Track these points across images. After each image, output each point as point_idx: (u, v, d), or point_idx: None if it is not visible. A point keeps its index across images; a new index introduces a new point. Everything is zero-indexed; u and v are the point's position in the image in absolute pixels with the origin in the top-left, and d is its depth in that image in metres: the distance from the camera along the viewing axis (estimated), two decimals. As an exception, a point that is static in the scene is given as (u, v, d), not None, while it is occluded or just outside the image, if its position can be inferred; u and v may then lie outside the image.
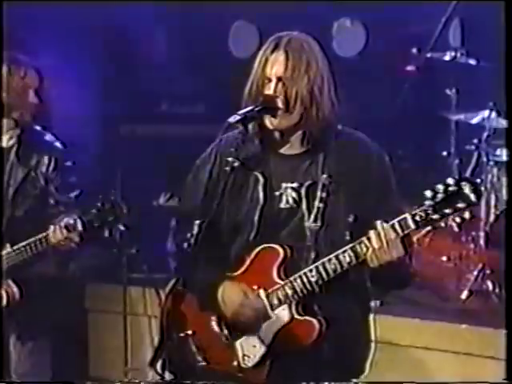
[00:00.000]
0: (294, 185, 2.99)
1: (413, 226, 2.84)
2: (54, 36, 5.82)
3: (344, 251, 2.90)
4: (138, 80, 6.26)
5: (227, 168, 2.98)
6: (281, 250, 2.97)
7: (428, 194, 2.80)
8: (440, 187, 2.79)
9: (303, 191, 2.98)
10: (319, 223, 2.95)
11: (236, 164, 2.98)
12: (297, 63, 2.95)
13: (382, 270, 2.89)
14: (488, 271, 5.09)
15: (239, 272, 3.02)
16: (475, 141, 5.39)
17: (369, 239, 2.87)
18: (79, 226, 3.60)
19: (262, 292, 2.96)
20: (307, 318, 2.94)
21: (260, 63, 2.99)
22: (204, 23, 6.24)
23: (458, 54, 5.50)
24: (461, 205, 2.78)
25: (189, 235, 2.92)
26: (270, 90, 2.97)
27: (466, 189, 2.78)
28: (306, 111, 2.96)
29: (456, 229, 5.22)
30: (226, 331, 2.98)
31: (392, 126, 6.04)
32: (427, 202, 2.80)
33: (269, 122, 3.00)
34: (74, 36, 5.92)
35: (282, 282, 2.94)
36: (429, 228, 2.85)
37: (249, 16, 6.25)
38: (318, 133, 2.98)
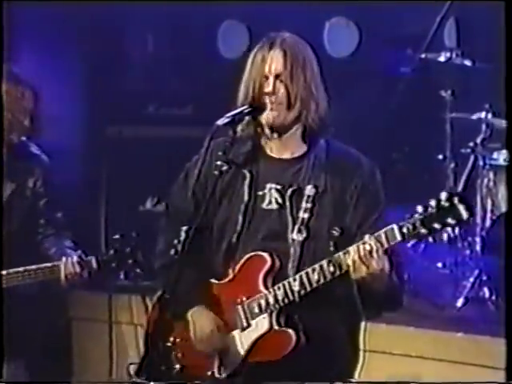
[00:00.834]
0: (278, 187, 3.00)
1: (399, 237, 2.84)
2: (38, 36, 5.80)
3: (329, 261, 2.91)
4: (124, 81, 6.25)
5: (216, 172, 2.98)
6: (268, 258, 2.97)
7: (419, 209, 2.80)
8: (432, 202, 2.79)
9: (287, 195, 2.99)
10: (304, 234, 2.97)
11: (224, 168, 2.99)
12: (294, 60, 2.98)
13: (366, 284, 2.88)
14: (484, 278, 5.10)
15: (226, 280, 3.02)
16: (471, 144, 5.40)
17: (353, 249, 2.87)
18: (94, 265, 3.62)
19: (244, 300, 2.96)
20: (285, 329, 2.94)
21: (256, 62, 3.01)
22: (192, 22, 6.23)
23: (454, 55, 5.50)
24: (451, 221, 2.78)
25: (176, 241, 2.92)
26: (268, 88, 2.99)
27: (459, 205, 2.77)
28: (306, 108, 2.98)
29: (451, 234, 5.22)
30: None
31: (386, 128, 6.04)
32: (416, 215, 2.80)
33: (265, 117, 3.00)
34: (59, 36, 5.91)
35: (266, 291, 2.95)
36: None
37: (238, 15, 6.25)
38: (315, 128, 3.00)
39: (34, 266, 3.70)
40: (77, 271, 3.62)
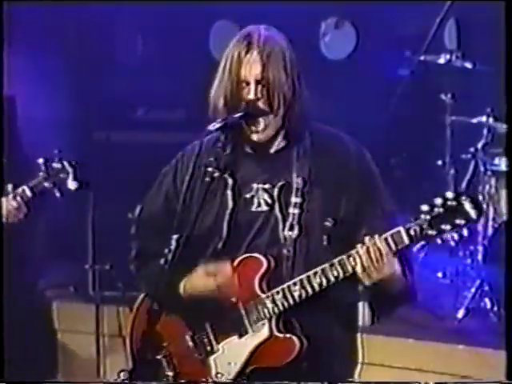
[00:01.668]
0: (266, 186, 2.97)
1: (407, 240, 2.82)
2: (25, 38, 5.80)
3: (331, 265, 2.88)
4: (112, 83, 6.24)
5: (207, 179, 2.95)
6: (264, 261, 2.95)
7: (425, 207, 2.77)
8: (438, 201, 2.76)
9: (276, 193, 2.96)
10: (296, 231, 2.93)
11: (216, 174, 2.96)
12: (274, 60, 2.93)
13: (378, 288, 2.86)
14: (486, 288, 5.10)
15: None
16: (472, 149, 5.40)
17: (358, 254, 2.85)
18: (28, 193, 3.60)
19: (240, 305, 2.95)
20: (287, 335, 2.92)
21: (233, 65, 2.95)
22: (183, 22, 6.24)
23: (454, 57, 5.51)
24: (459, 221, 2.76)
25: (166, 251, 2.90)
26: (250, 95, 2.94)
27: (466, 204, 2.75)
28: (290, 110, 2.95)
29: (452, 243, 5.23)
30: (206, 340, 2.96)
31: (384, 133, 6.05)
32: (423, 216, 2.77)
33: (250, 131, 2.97)
34: (43, 36, 5.90)
35: (264, 295, 2.93)
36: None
37: (231, 15, 6.25)
38: (298, 127, 2.97)
39: None
40: (14, 206, 3.60)
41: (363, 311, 4.62)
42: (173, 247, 2.89)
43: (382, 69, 6.26)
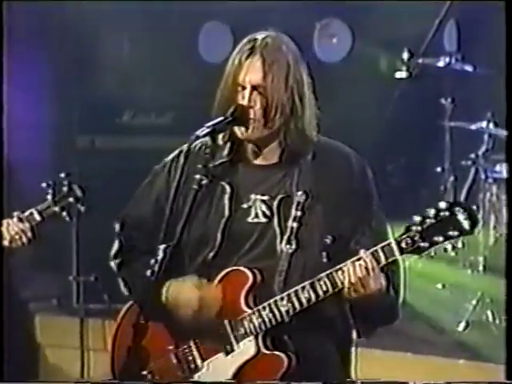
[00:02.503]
0: (265, 197, 2.97)
1: (398, 253, 2.82)
2: (7, 39, 5.79)
3: (319, 279, 2.88)
4: (97, 86, 6.24)
5: (195, 186, 2.95)
6: (250, 275, 2.94)
7: (417, 219, 2.77)
8: (431, 212, 2.77)
9: (275, 205, 2.96)
10: (294, 246, 2.93)
11: (204, 182, 2.96)
12: (276, 69, 2.92)
13: (362, 304, 2.87)
14: (487, 300, 5.11)
15: None
16: (472, 155, 5.42)
17: (347, 267, 2.85)
18: (36, 217, 3.60)
19: (225, 321, 2.93)
20: (275, 352, 2.92)
21: (233, 69, 2.95)
22: (171, 23, 6.24)
23: (453, 60, 5.54)
24: (452, 233, 2.76)
25: (153, 261, 2.89)
26: (243, 100, 2.95)
27: (460, 215, 2.75)
28: (286, 122, 2.95)
29: (452, 253, 5.24)
30: (190, 357, 2.95)
31: (380, 138, 6.06)
32: (414, 228, 2.77)
33: (239, 132, 2.98)
34: (24, 37, 5.90)
35: (250, 311, 2.92)
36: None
37: (221, 15, 6.26)
38: (296, 146, 2.97)
39: None
40: (20, 228, 3.59)
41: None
42: (160, 258, 2.88)
43: (379, 72, 6.27)
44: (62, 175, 3.61)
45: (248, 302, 2.94)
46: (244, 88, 2.95)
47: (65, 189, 3.59)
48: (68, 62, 6.15)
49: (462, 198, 5.44)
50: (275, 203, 2.96)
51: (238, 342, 2.93)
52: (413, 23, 5.95)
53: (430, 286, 5.33)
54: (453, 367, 4.66)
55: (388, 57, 6.19)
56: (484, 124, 5.40)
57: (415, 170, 6.27)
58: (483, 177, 5.37)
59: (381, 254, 2.83)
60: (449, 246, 2.69)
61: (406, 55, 5.59)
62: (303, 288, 2.88)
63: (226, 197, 2.98)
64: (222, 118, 2.96)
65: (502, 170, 5.31)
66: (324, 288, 2.87)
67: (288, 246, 2.93)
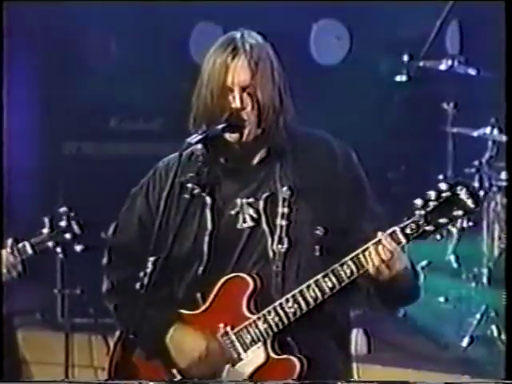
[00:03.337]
0: (251, 200, 2.97)
1: (404, 240, 2.83)
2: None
3: (325, 275, 2.88)
4: (83, 91, 6.23)
5: (187, 196, 2.95)
6: (250, 280, 2.94)
7: (418, 202, 2.80)
8: (432, 194, 2.78)
9: (261, 206, 2.96)
10: (285, 244, 2.94)
11: (196, 191, 2.96)
12: (262, 67, 2.94)
13: (388, 284, 2.85)
14: (492, 314, 5.11)
15: (201, 310, 2.99)
16: (476, 163, 5.42)
17: (352, 261, 2.85)
18: (28, 250, 3.57)
19: (229, 331, 2.94)
20: (286, 356, 2.92)
21: (217, 71, 2.95)
22: (161, 24, 6.24)
23: (456, 63, 5.54)
24: (457, 212, 2.77)
25: (142, 274, 2.89)
26: (234, 103, 2.95)
27: (462, 194, 2.76)
28: (276, 120, 2.95)
29: (455, 265, 5.22)
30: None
31: (380, 144, 6.06)
32: (418, 212, 2.79)
33: (231, 137, 2.97)
34: (11, 42, 5.88)
35: (254, 317, 2.93)
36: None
37: (213, 16, 6.26)
38: (282, 142, 2.97)
39: None
40: (11, 262, 3.57)
41: (357, 339, 4.63)
42: (149, 270, 2.88)
43: (378, 75, 6.28)
44: (63, 209, 3.58)
45: (250, 308, 2.94)
46: (232, 91, 2.95)
47: (63, 224, 3.56)
48: (52, 65, 6.14)
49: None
50: (261, 204, 2.96)
51: (245, 351, 2.93)
52: (413, 24, 5.96)
53: (433, 300, 5.32)
54: (456, 384, 4.65)
55: (388, 59, 6.19)
56: (488, 130, 5.40)
57: (416, 177, 6.26)
58: (487, 185, 5.37)
59: (386, 243, 2.81)
60: (454, 229, 2.71)
61: (406, 57, 5.60)
62: (308, 287, 2.89)
63: (208, 209, 2.98)
64: (216, 125, 2.94)
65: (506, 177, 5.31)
66: (330, 284, 2.88)
67: (280, 246, 2.93)
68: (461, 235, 5.41)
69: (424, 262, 5.36)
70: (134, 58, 6.30)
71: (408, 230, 2.81)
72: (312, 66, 6.22)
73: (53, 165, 6.00)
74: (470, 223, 2.82)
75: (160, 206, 2.93)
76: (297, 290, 2.89)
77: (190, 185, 2.94)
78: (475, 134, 5.46)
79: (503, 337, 5.03)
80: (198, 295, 2.98)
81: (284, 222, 2.93)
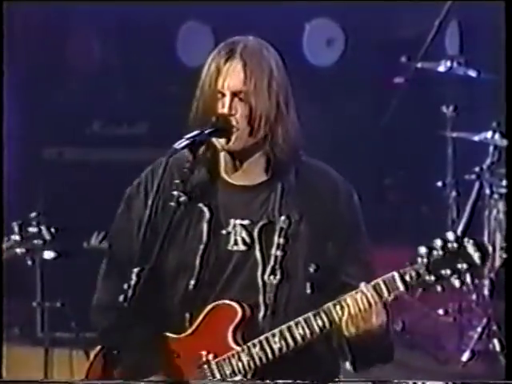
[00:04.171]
0: (245, 222, 2.97)
1: (401, 287, 2.84)
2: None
3: (316, 314, 2.88)
4: (65, 93, 6.23)
5: (172, 203, 2.93)
6: (239, 309, 2.95)
7: (422, 250, 2.80)
8: (437, 243, 2.80)
9: (256, 232, 2.97)
10: (278, 276, 2.95)
11: (183, 199, 2.93)
12: (258, 74, 2.93)
13: (360, 339, 2.87)
14: (494, 327, 5.10)
15: (186, 334, 2.98)
16: (476, 169, 5.41)
17: (346, 301, 2.86)
18: None
19: (211, 359, 2.94)
20: None
21: (210, 74, 2.95)
22: (146, 23, 6.23)
23: (455, 64, 5.53)
24: (461, 266, 2.78)
25: (126, 286, 2.87)
26: (224, 108, 2.94)
27: (469, 247, 2.78)
28: (271, 131, 2.95)
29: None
30: None
31: (376, 150, 6.06)
32: (420, 260, 2.80)
33: (219, 144, 2.96)
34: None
35: (239, 348, 2.93)
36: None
37: (201, 15, 6.26)
38: (282, 157, 2.97)
39: None
40: None
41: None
42: (133, 282, 2.87)
43: (374, 77, 6.28)
44: (33, 214, 3.56)
45: (236, 338, 2.94)
46: (224, 95, 2.95)
47: (32, 229, 3.54)
48: (32, 67, 6.13)
49: (466, 215, 5.44)
50: (256, 230, 2.97)
51: (223, 382, 2.94)
52: (411, 24, 5.97)
53: (432, 312, 5.31)
54: (456, 401, 4.64)
55: (384, 60, 6.20)
56: (489, 134, 5.40)
57: (414, 184, 6.27)
58: (488, 192, 5.36)
59: (383, 287, 2.85)
60: (456, 282, 2.71)
61: (403, 58, 5.60)
62: (297, 324, 2.89)
63: (205, 221, 2.98)
64: (202, 129, 2.94)
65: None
66: (320, 323, 2.88)
67: (272, 277, 2.94)
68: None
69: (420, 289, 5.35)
70: (117, 58, 6.30)
71: (407, 277, 2.82)
72: (305, 68, 6.24)
73: (33, 171, 5.98)
74: (476, 280, 2.81)
75: (146, 216, 2.91)
76: (285, 326, 2.90)
77: (175, 192, 2.93)
78: (476, 138, 5.46)
79: (506, 351, 5.02)
80: (187, 315, 2.97)
81: (279, 253, 2.94)
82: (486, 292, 5.28)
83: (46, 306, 5.34)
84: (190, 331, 2.97)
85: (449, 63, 5.53)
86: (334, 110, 6.03)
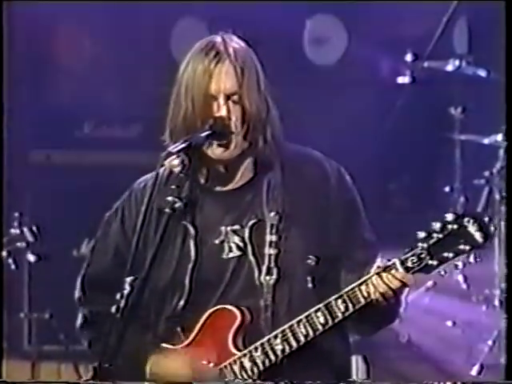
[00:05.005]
0: (236, 227, 2.97)
1: (404, 273, 2.82)
2: None
3: (317, 310, 2.87)
4: (53, 94, 6.22)
5: (167, 210, 2.92)
6: (238, 313, 2.96)
7: (421, 234, 2.79)
8: (436, 226, 2.78)
9: (246, 234, 2.96)
10: (275, 275, 2.94)
11: (178, 205, 2.93)
12: (248, 74, 2.94)
13: (375, 306, 2.86)
14: (505, 340, 5.09)
15: (184, 344, 2.98)
16: (486, 173, 5.41)
17: (347, 295, 2.85)
18: None
19: (212, 367, 2.93)
20: None
21: (198, 78, 2.94)
22: (139, 21, 6.23)
23: (464, 63, 5.54)
24: (464, 247, 2.77)
25: (118, 296, 2.87)
26: (220, 111, 2.93)
27: (470, 226, 2.76)
28: (264, 132, 2.95)
29: (464, 285, 5.21)
30: None
31: (380, 153, 6.05)
32: (420, 244, 2.78)
33: (213, 152, 2.95)
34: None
35: (240, 353, 2.93)
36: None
37: (197, 12, 6.26)
38: (267, 156, 2.97)
39: None
40: None
41: (357, 366, 4.62)
42: (126, 292, 2.86)
43: (377, 77, 6.28)
44: (16, 214, 3.56)
45: (237, 343, 2.94)
46: (216, 99, 2.95)
47: (14, 231, 3.54)
48: (19, 65, 6.13)
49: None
50: (247, 232, 2.96)
51: None
52: (417, 21, 5.97)
53: (439, 324, 5.32)
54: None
55: (389, 59, 6.20)
56: (499, 137, 5.40)
57: (420, 189, 6.27)
58: (498, 197, 5.37)
59: (384, 277, 2.83)
60: (459, 264, 2.73)
61: (409, 57, 5.60)
62: (299, 322, 2.88)
63: (191, 239, 2.98)
64: (199, 132, 2.93)
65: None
66: (322, 320, 2.88)
67: (268, 277, 2.93)
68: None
69: (429, 283, 5.36)
70: (109, 57, 6.29)
71: (409, 263, 2.81)
72: (306, 67, 6.23)
73: (18, 176, 5.97)
74: (478, 259, 2.83)
75: (135, 232, 2.90)
76: (286, 326, 2.89)
77: (170, 198, 2.92)
78: (485, 141, 5.46)
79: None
80: (178, 329, 2.97)
81: (272, 251, 2.94)
82: (496, 303, 5.28)
83: (33, 318, 5.34)
84: (188, 341, 2.97)
85: (457, 62, 5.54)
86: (335, 111, 6.03)
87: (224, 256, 2.97)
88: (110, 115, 6.17)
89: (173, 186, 2.95)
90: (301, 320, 2.89)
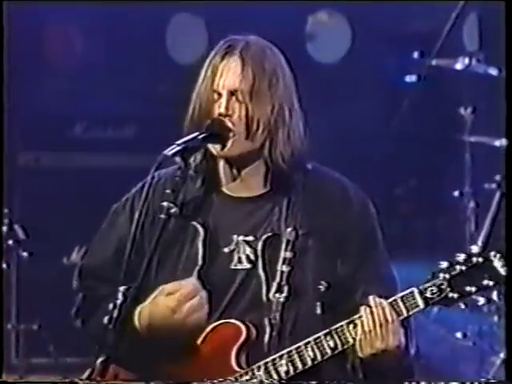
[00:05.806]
0: (249, 238, 2.97)
1: (422, 305, 2.85)
2: None
3: (327, 334, 2.87)
4: (43, 94, 6.22)
5: (162, 216, 2.91)
6: (243, 329, 2.96)
7: (443, 264, 2.82)
8: (460, 257, 2.81)
9: (259, 247, 2.96)
10: (285, 293, 2.94)
11: (173, 210, 2.92)
12: (258, 73, 2.94)
13: (375, 361, 2.86)
14: (505, 340, 5.09)
15: (185, 357, 2.96)
16: (497, 177, 5.40)
17: (360, 319, 2.85)
18: None
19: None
20: None
21: (206, 73, 2.96)
22: (133, 17, 6.23)
23: (474, 61, 5.54)
24: (487, 282, 2.80)
25: (111, 306, 2.86)
26: (220, 109, 2.94)
27: (496, 261, 2.79)
28: (271, 137, 2.95)
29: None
30: None
31: (386, 155, 6.05)
32: (441, 275, 2.81)
33: (215, 149, 2.96)
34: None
35: (242, 371, 2.95)
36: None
37: (194, 7, 6.26)
38: (284, 170, 2.97)
39: None
40: None
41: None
42: (119, 301, 2.86)
43: (384, 75, 6.28)
44: (5, 211, 3.56)
45: (240, 360, 2.95)
46: (220, 95, 2.95)
47: (4, 228, 3.54)
48: (8, 64, 6.12)
49: (485, 228, 5.43)
50: (260, 244, 2.97)
51: None
52: (425, 17, 5.97)
53: (449, 335, 5.33)
54: None
55: (395, 56, 6.20)
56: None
57: (428, 194, 6.27)
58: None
59: (401, 305, 2.85)
60: (482, 299, 2.74)
61: (416, 55, 5.60)
62: (307, 344, 2.89)
63: (200, 241, 2.98)
64: (195, 134, 2.94)
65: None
66: (332, 344, 2.88)
67: (278, 295, 2.94)
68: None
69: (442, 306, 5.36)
70: (101, 55, 6.29)
71: (428, 294, 2.83)
72: (308, 65, 6.24)
73: (6, 179, 5.97)
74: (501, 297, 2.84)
75: (138, 220, 2.91)
76: (293, 347, 2.90)
77: (165, 203, 2.92)
78: (496, 143, 5.45)
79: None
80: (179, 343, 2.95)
81: (285, 268, 2.94)
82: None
83: (21, 329, 5.34)
84: (188, 354, 2.96)
85: (467, 60, 5.54)
86: (339, 112, 6.03)
87: (232, 266, 2.97)
88: (102, 115, 6.17)
89: (168, 191, 2.94)
90: (309, 342, 2.90)
